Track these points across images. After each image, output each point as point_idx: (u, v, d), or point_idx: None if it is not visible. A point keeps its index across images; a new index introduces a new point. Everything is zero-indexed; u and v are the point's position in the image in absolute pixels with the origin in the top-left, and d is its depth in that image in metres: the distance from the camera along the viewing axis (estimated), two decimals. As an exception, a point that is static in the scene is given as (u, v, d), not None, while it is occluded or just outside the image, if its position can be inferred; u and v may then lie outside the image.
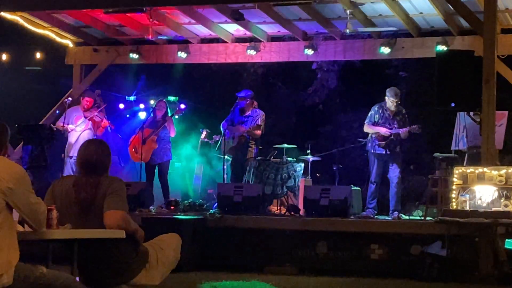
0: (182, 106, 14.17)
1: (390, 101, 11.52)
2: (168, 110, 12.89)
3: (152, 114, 13.00)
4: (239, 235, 10.54)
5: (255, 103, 12.62)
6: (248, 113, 12.42)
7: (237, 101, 12.49)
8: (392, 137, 11.38)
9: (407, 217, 11.32)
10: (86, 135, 12.73)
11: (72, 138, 12.74)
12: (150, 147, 12.60)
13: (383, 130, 11.43)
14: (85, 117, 12.90)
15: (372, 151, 11.57)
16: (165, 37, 13.84)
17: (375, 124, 11.57)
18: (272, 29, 13.61)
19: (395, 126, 11.44)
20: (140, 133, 12.66)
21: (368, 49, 13.42)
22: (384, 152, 11.44)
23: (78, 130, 12.79)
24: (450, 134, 11.99)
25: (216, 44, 14.17)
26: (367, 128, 11.72)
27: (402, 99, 15.83)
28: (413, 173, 16.10)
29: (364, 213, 11.41)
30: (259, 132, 12.27)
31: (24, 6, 12.14)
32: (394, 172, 11.47)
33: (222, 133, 12.39)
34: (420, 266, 9.52)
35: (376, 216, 11.29)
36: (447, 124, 16.02)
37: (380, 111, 11.59)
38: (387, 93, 11.55)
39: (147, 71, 17.09)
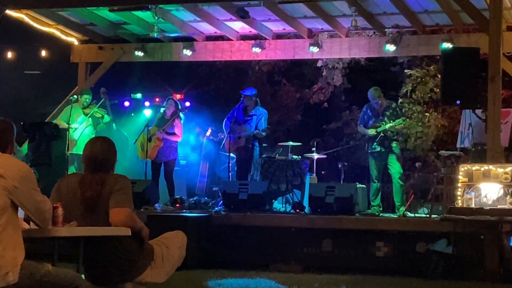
0: (187, 104, 14.17)
1: (373, 102, 11.60)
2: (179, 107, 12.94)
3: (161, 112, 13.02)
4: (244, 233, 10.54)
5: (258, 101, 12.65)
6: (251, 111, 12.44)
7: (241, 98, 12.49)
8: (382, 134, 11.39)
9: (412, 215, 11.32)
10: (87, 132, 12.77)
11: (74, 135, 12.76)
12: (155, 144, 12.62)
13: (370, 133, 11.48)
14: (85, 115, 12.92)
15: (369, 150, 11.62)
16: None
17: (366, 124, 11.61)
18: (277, 26, 13.61)
19: (383, 123, 11.44)
20: (147, 130, 12.68)
21: (373, 47, 13.43)
22: (379, 150, 11.46)
23: (80, 127, 12.82)
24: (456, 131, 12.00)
25: (221, 42, 14.17)
26: (359, 130, 11.83)
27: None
28: (418, 171, 16.09)
29: (370, 210, 11.42)
30: (264, 133, 12.34)
31: (29, 4, 12.17)
32: (394, 168, 11.48)
33: (226, 133, 12.40)
34: (425, 264, 9.52)
35: (381, 214, 11.29)
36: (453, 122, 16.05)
37: (369, 111, 11.68)
38: (368, 96, 11.62)
39: (152, 69, 17.10)
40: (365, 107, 11.80)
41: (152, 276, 5.44)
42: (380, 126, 11.40)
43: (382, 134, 11.38)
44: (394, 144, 11.51)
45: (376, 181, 11.52)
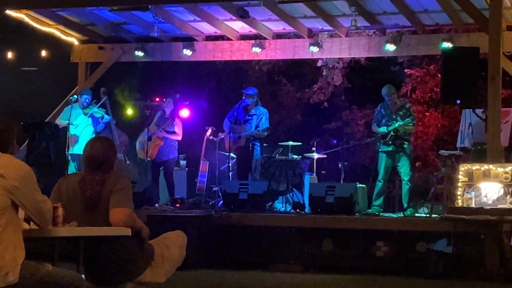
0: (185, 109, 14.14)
1: (387, 99, 11.56)
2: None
3: (160, 112, 13.03)
4: (245, 233, 10.54)
5: (259, 100, 12.65)
6: (252, 111, 12.43)
7: (243, 97, 12.48)
8: (392, 133, 11.36)
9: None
10: (87, 131, 12.77)
11: (74, 135, 12.77)
12: (155, 143, 12.61)
13: (381, 131, 11.46)
14: (85, 115, 12.93)
15: (380, 149, 11.59)
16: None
17: (380, 122, 11.57)
18: (277, 26, 13.60)
19: (395, 122, 11.40)
20: (146, 130, 12.68)
21: (373, 46, 13.42)
22: (390, 149, 11.43)
23: (80, 127, 12.82)
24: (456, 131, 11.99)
25: (221, 42, 14.16)
26: (373, 128, 11.78)
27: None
28: (418, 171, 16.12)
29: (370, 210, 11.40)
30: (265, 133, 12.33)
31: (29, 4, 12.17)
32: (404, 170, 11.45)
33: (226, 133, 12.40)
34: (425, 264, 9.51)
35: (381, 214, 11.27)
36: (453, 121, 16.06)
37: (382, 110, 11.63)
38: (382, 93, 11.60)
39: (152, 69, 17.11)
40: (379, 105, 11.74)
41: (153, 276, 5.44)
42: (391, 125, 11.37)
43: (392, 133, 11.35)
44: (405, 145, 11.46)
45: (382, 180, 11.47)
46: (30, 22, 13.36)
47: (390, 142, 11.38)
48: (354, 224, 10.34)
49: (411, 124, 11.40)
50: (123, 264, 5.29)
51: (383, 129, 11.41)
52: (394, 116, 11.45)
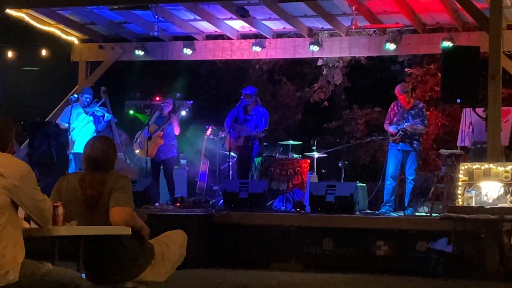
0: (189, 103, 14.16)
1: (400, 98, 11.53)
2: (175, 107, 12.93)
3: (159, 111, 13.03)
4: (245, 232, 10.53)
5: (258, 100, 12.66)
6: (251, 111, 12.43)
7: (242, 97, 12.49)
8: (401, 132, 11.34)
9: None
10: (88, 131, 12.76)
11: (74, 134, 12.76)
12: (156, 143, 12.61)
13: (391, 130, 11.44)
14: (86, 113, 12.93)
15: (390, 148, 11.59)
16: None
17: (391, 120, 11.55)
18: (278, 25, 13.62)
19: (405, 121, 11.38)
20: (146, 129, 12.68)
21: (373, 46, 13.44)
22: (399, 148, 11.42)
23: (80, 126, 12.81)
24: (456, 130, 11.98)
25: (222, 41, 14.18)
26: (385, 127, 11.75)
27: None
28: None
29: (383, 210, 11.37)
30: (262, 134, 12.33)
31: (30, 3, 12.18)
32: (410, 169, 11.44)
33: (227, 131, 12.41)
34: (426, 263, 9.50)
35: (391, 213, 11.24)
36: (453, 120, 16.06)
37: (395, 108, 11.62)
38: (395, 91, 11.60)
39: (153, 68, 17.13)
40: (393, 103, 11.72)
41: (153, 275, 5.44)
42: (401, 124, 11.36)
43: (401, 132, 11.33)
44: (415, 144, 11.43)
45: (391, 179, 11.47)
46: (30, 21, 13.38)
47: (399, 141, 11.37)
48: (354, 223, 10.33)
49: (419, 125, 11.36)
50: (123, 263, 5.29)
51: (392, 128, 11.41)
52: (405, 115, 11.44)
